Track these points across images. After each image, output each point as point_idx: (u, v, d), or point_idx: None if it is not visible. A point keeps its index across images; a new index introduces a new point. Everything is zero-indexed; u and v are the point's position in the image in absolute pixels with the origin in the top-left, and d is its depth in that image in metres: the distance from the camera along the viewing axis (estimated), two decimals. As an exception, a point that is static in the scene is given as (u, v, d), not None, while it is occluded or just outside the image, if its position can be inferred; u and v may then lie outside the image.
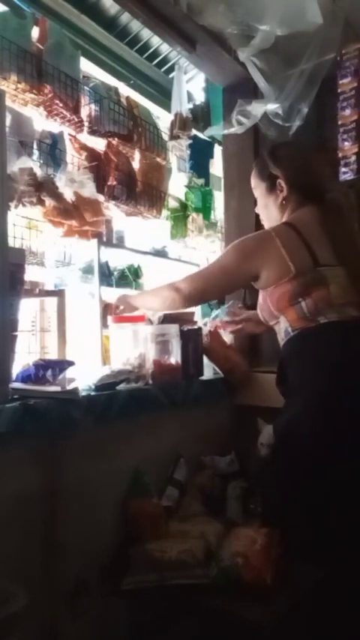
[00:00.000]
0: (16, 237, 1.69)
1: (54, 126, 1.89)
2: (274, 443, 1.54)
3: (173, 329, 1.67)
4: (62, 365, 1.37)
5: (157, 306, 1.72)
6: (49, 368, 1.33)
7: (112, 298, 1.91)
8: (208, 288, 1.67)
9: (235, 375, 1.89)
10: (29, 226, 1.77)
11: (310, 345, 1.47)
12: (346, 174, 2.23)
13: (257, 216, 2.38)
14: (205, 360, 1.84)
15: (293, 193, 1.63)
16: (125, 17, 2.24)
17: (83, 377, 1.45)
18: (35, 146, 1.79)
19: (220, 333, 1.92)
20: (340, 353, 1.43)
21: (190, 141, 2.43)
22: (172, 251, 2.47)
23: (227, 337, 1.98)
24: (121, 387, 1.49)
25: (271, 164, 1.65)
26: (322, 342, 1.45)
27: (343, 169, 2.24)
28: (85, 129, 1.98)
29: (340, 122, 2.26)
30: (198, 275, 1.70)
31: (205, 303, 2.02)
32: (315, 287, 1.46)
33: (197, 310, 2.15)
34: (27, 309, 1.66)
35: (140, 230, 2.32)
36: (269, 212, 1.71)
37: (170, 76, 2.49)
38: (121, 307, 1.81)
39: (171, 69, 2.52)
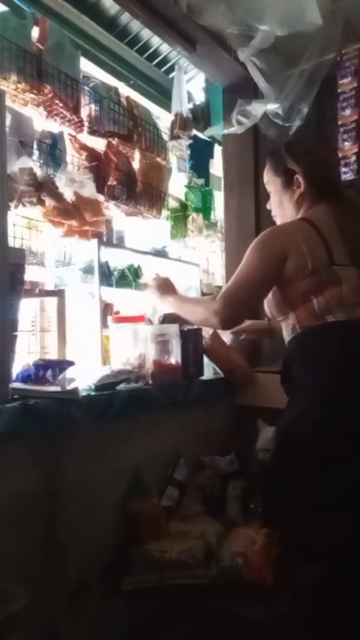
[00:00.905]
0: (16, 237, 1.68)
1: (54, 126, 1.89)
2: (277, 442, 1.54)
3: (173, 329, 1.67)
4: (62, 365, 1.37)
5: (193, 322, 1.69)
6: (49, 368, 1.33)
7: (112, 298, 1.91)
8: (246, 303, 1.58)
9: (236, 376, 1.89)
10: (29, 226, 1.77)
11: (315, 343, 1.46)
12: (346, 175, 2.23)
13: (257, 216, 2.39)
14: (205, 360, 1.84)
15: (310, 189, 1.58)
16: (125, 17, 2.24)
17: (83, 377, 1.45)
18: (35, 146, 1.79)
19: (219, 333, 1.92)
20: (344, 353, 1.42)
21: (190, 141, 2.43)
22: (172, 251, 2.47)
23: (227, 338, 1.98)
24: (121, 387, 1.49)
25: (289, 159, 1.61)
26: (327, 341, 1.44)
27: (343, 169, 2.24)
28: (85, 129, 1.98)
29: (340, 122, 2.26)
30: (231, 293, 1.55)
31: (246, 318, 1.83)
32: (328, 286, 1.44)
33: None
34: (27, 309, 1.66)
35: (140, 230, 2.32)
36: (283, 208, 1.66)
37: (170, 76, 2.49)
38: (152, 285, 1.80)
39: (171, 69, 2.51)
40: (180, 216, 2.47)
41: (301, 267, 1.46)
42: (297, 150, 1.63)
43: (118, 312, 1.88)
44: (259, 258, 1.52)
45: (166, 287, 1.78)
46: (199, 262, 2.53)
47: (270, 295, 1.58)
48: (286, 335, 1.56)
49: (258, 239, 1.56)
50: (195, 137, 2.47)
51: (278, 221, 1.71)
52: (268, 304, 1.61)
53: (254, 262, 1.53)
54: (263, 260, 1.52)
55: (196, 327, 1.80)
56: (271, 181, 1.69)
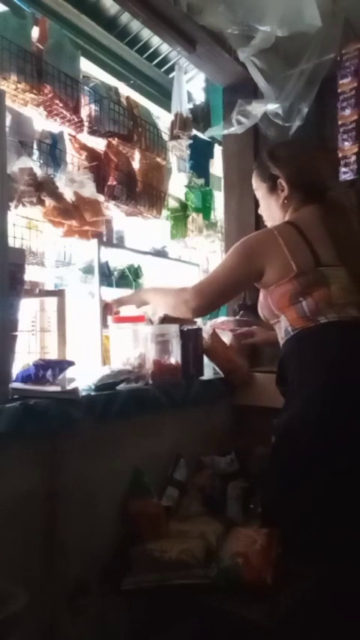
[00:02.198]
0: (16, 237, 1.69)
1: (54, 126, 1.89)
2: (274, 442, 1.54)
3: (173, 329, 1.67)
4: (62, 365, 1.37)
5: (164, 311, 1.72)
6: (49, 368, 1.33)
7: (111, 298, 1.91)
8: (216, 298, 1.66)
9: (236, 376, 1.89)
10: (29, 226, 1.77)
11: (310, 344, 1.47)
12: (346, 175, 2.24)
13: (257, 216, 2.39)
14: (205, 360, 1.84)
15: (294, 192, 1.62)
16: (125, 17, 2.24)
17: (83, 377, 1.45)
18: (35, 146, 1.79)
19: (219, 333, 1.92)
20: (339, 353, 1.42)
21: (190, 141, 2.43)
22: (172, 251, 2.48)
23: (226, 338, 1.98)
24: (121, 387, 1.48)
25: (271, 165, 1.65)
26: (321, 342, 1.45)
27: (343, 169, 2.24)
28: (85, 129, 1.98)
29: (340, 122, 2.26)
30: (204, 286, 1.66)
31: (214, 311, 1.99)
32: (316, 287, 1.46)
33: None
34: (27, 309, 1.66)
35: (140, 230, 2.32)
36: (271, 213, 1.71)
37: (170, 76, 2.49)
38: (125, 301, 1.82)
39: (171, 69, 2.52)
40: (180, 216, 2.47)
41: (285, 271, 1.49)
42: (278, 155, 1.67)
43: (118, 312, 1.88)
44: (236, 264, 1.59)
45: (135, 293, 1.84)
46: (199, 262, 2.54)
47: (261, 299, 1.61)
48: (280, 338, 1.58)
49: (241, 244, 1.60)
50: (195, 137, 2.47)
51: (268, 224, 1.75)
52: (261, 307, 1.63)
53: (231, 266, 1.60)
54: (239, 269, 1.58)
55: (196, 327, 1.80)
56: (258, 187, 1.74)
